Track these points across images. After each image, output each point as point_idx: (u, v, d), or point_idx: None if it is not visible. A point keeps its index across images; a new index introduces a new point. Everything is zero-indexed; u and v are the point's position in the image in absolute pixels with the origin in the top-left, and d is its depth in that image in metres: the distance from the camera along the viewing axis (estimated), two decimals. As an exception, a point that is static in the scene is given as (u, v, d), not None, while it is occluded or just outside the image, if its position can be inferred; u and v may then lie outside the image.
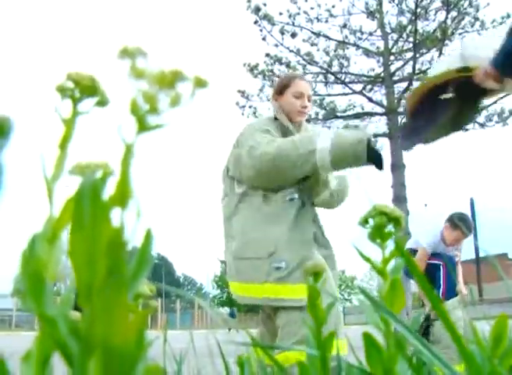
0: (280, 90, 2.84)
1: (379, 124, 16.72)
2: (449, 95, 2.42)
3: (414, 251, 5.05)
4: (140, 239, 0.41)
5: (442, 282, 4.92)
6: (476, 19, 15.10)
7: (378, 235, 0.71)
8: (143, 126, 0.34)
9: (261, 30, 15.53)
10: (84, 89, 0.52)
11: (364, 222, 0.70)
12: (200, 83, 0.33)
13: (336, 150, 2.41)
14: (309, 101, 2.83)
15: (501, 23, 15.01)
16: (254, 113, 16.17)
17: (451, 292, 4.92)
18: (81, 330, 0.38)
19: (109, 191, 0.42)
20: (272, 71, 15.95)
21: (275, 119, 2.80)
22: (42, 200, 0.53)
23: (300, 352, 1.91)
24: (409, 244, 5.21)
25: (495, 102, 15.59)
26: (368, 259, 0.70)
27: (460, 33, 15.34)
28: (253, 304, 2.62)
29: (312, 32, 15.91)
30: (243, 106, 16.24)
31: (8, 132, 0.36)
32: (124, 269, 0.34)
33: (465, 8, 14.90)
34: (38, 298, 0.41)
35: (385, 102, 16.00)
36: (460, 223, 4.95)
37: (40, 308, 0.40)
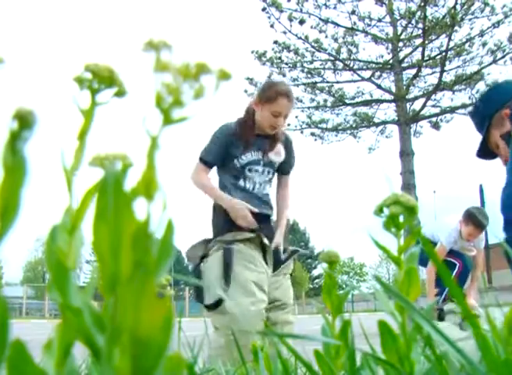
0: (264, 100, 2.86)
1: (388, 111, 16.66)
2: None
3: (433, 244, 5.02)
4: (161, 230, 0.42)
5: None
6: (486, 4, 14.90)
7: (392, 224, 0.71)
8: (168, 119, 0.35)
9: (269, 17, 15.42)
10: (102, 80, 0.53)
11: (379, 211, 0.70)
12: (224, 76, 0.34)
13: None
14: (285, 118, 2.85)
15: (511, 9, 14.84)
16: (262, 101, 16.09)
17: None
18: (105, 320, 0.38)
19: (130, 182, 0.42)
20: (280, 58, 15.88)
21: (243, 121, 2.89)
22: (61, 191, 0.53)
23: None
24: (426, 235, 5.16)
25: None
26: (383, 248, 0.70)
27: (469, 19, 15.18)
28: None
29: (320, 19, 15.78)
30: (252, 93, 16.18)
31: (33, 125, 0.37)
32: (151, 261, 0.34)
33: (475, -6, 14.72)
34: (62, 289, 0.41)
35: (393, 89, 15.92)
36: (473, 218, 4.85)
37: (64, 298, 0.41)
